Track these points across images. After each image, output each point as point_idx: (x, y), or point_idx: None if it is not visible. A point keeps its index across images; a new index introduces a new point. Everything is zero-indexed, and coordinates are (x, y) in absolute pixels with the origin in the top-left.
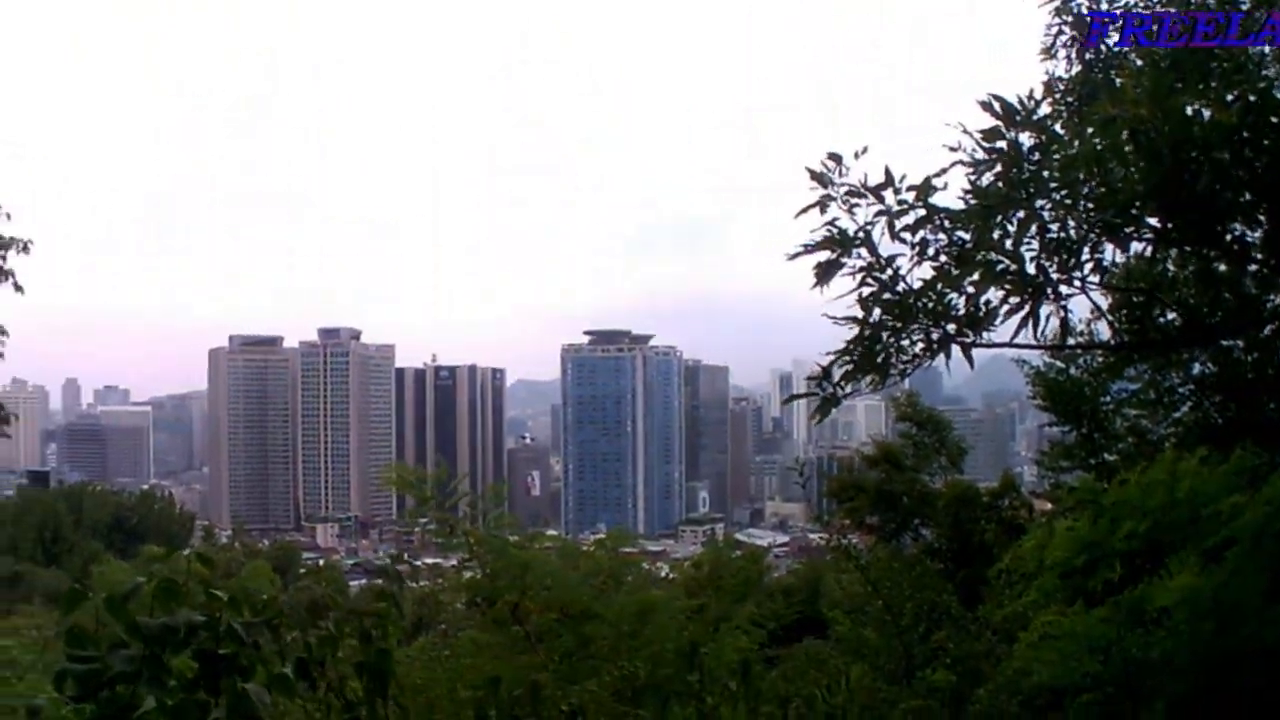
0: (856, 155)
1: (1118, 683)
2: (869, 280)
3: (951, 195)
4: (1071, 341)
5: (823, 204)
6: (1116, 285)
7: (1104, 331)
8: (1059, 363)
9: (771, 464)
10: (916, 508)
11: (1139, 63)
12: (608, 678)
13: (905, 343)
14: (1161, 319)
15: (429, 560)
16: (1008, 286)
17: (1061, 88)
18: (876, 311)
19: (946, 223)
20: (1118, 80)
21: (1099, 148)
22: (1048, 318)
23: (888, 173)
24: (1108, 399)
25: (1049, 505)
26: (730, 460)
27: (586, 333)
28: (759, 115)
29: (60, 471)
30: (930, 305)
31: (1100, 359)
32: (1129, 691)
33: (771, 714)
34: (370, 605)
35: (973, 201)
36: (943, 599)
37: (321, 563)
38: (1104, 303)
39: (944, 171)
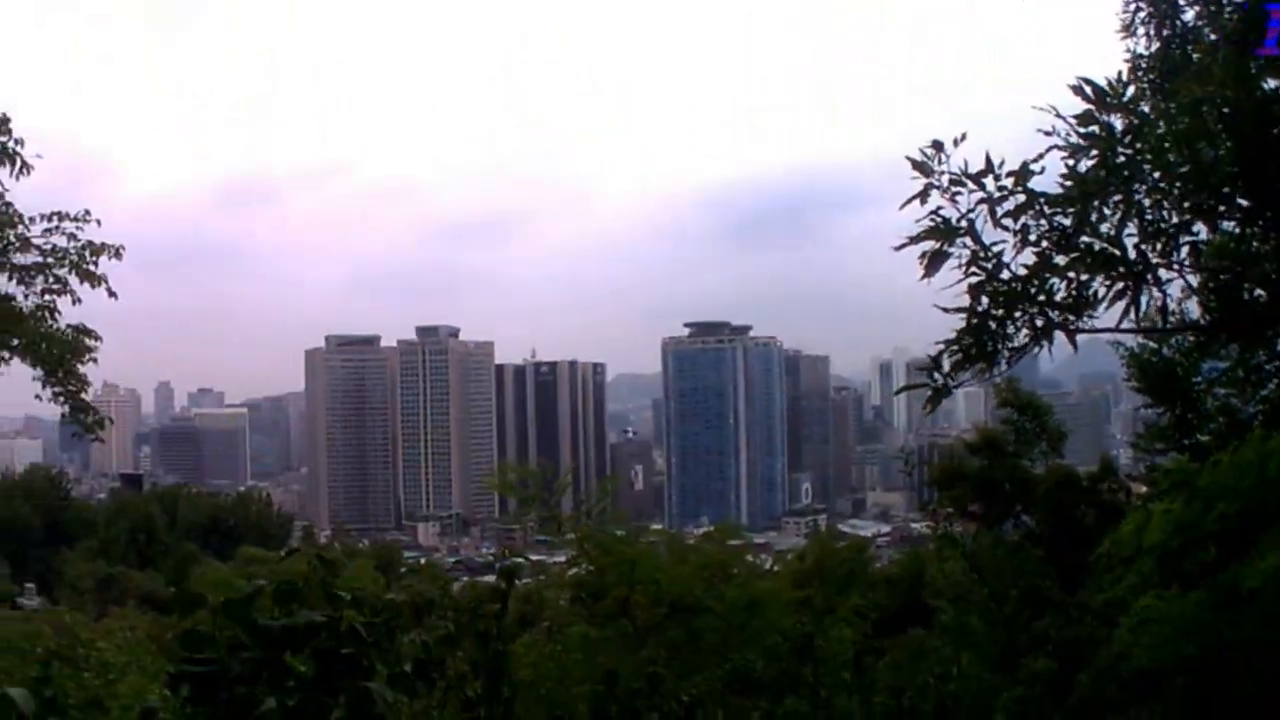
0: (956, 142)
1: (1211, 665)
2: (975, 269)
3: (1048, 180)
4: (1156, 322)
5: (925, 193)
6: (1208, 266)
7: (1194, 311)
8: (1152, 343)
9: (873, 454)
10: (1018, 494)
11: (1212, 37)
12: (720, 670)
13: (1010, 330)
14: (1249, 297)
15: (532, 557)
16: (1111, 273)
17: (1144, 65)
18: (984, 300)
19: (1046, 208)
20: (1194, 56)
21: (1187, 129)
22: (1148, 301)
23: (988, 159)
24: (1199, 379)
25: (1145, 488)
26: (832, 451)
27: (687, 325)
28: (847, 98)
29: (154, 475)
30: (1034, 292)
31: (1191, 339)
32: (1222, 673)
33: (885, 704)
34: (488, 606)
35: (1070, 186)
36: (1044, 585)
37: (423, 561)
38: (1195, 282)
39: (1041, 157)
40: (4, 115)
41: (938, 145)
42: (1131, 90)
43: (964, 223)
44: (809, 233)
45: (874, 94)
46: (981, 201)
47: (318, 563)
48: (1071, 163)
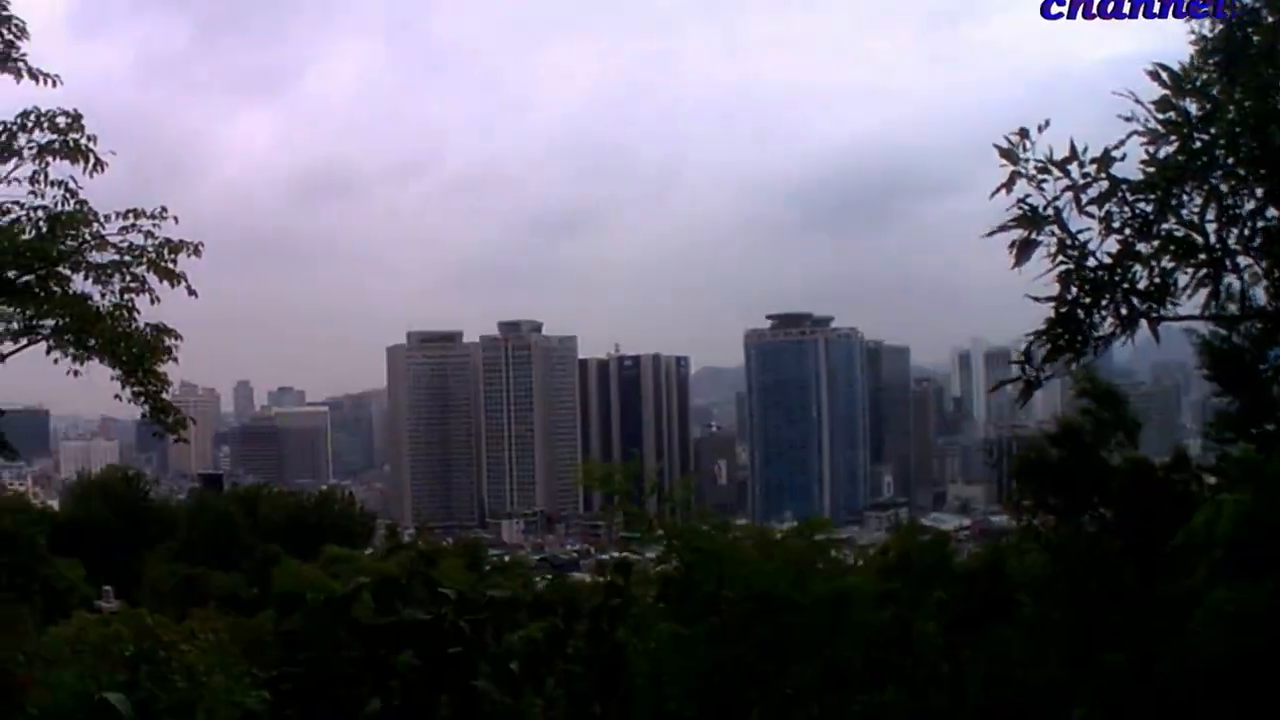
0: (1040, 129)
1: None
2: (1063, 257)
3: (1129, 167)
4: (1234, 309)
5: (1012, 180)
6: (1276, 251)
7: (1261, 297)
8: (1223, 330)
9: (953, 445)
10: (1095, 485)
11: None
12: (814, 664)
13: (1095, 319)
14: None
15: (615, 554)
16: (1193, 260)
17: (1209, 47)
18: (1073, 289)
19: (1128, 195)
20: (1255, 39)
21: (1256, 111)
22: (1226, 288)
23: (1072, 146)
24: (1265, 366)
25: (1215, 479)
26: (913, 443)
27: (769, 317)
28: (924, 82)
29: (234, 474)
30: (1118, 280)
31: (1259, 326)
32: None
33: (976, 694)
34: (606, 600)
35: (1151, 172)
36: (1123, 578)
37: (507, 559)
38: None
39: (1122, 143)
40: (75, 112)
41: (1023, 132)
42: (1203, 75)
43: (1050, 210)
44: (888, 221)
45: (950, 78)
46: (1067, 189)
47: (420, 559)
48: (1152, 149)
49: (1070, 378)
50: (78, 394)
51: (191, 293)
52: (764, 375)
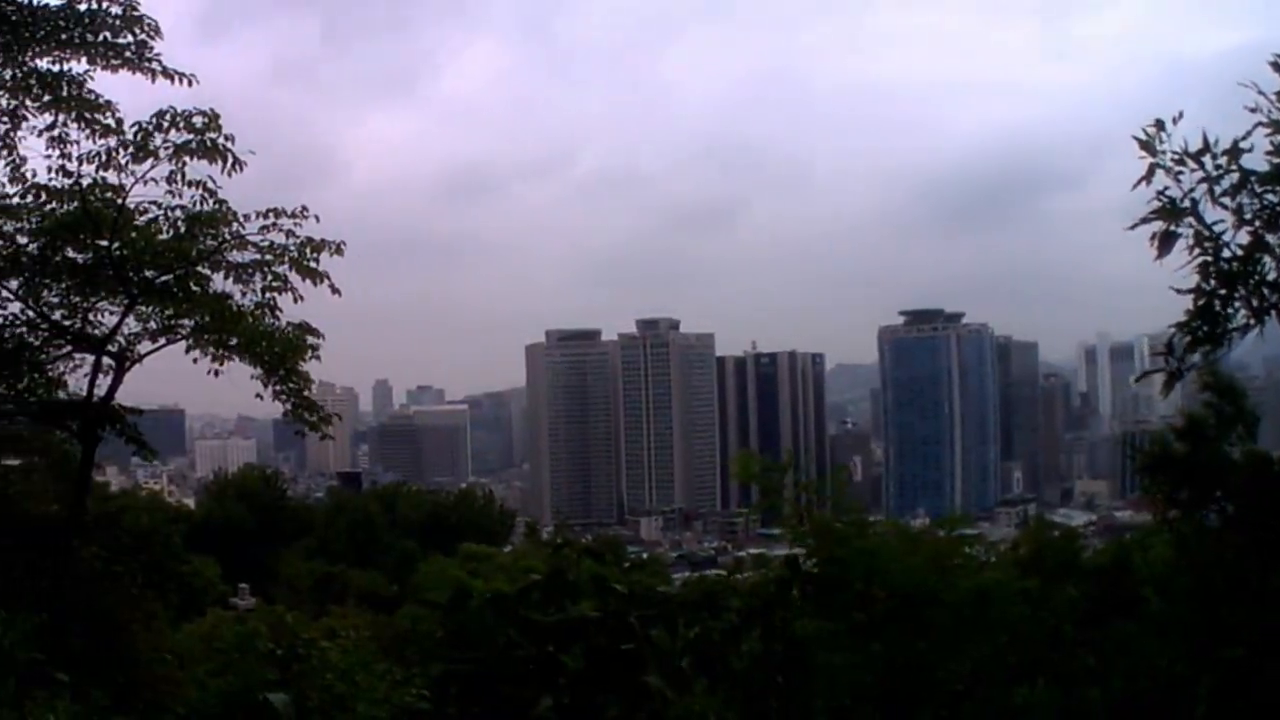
0: (1174, 120)
1: None
2: (1200, 249)
3: (1257, 158)
4: None
5: (1150, 172)
6: None
7: None
8: None
9: (1080, 441)
10: (1218, 479)
11: None
12: (964, 658)
13: (1229, 311)
14: None
15: (752, 551)
16: None
17: None
18: (1211, 281)
19: (1257, 186)
20: None
21: None
22: None
23: (1204, 137)
24: None
25: None
26: (1041, 439)
27: (902, 313)
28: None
29: (373, 472)
30: (1250, 272)
31: None
32: None
33: (1120, 688)
34: (776, 595)
35: (1276, 163)
36: (1245, 572)
37: (645, 556)
38: None
39: (1248, 134)
40: (212, 111)
41: (1159, 124)
42: None
43: (1187, 202)
44: (1011, 215)
45: (1067, 71)
46: (1201, 180)
47: (587, 556)
48: (1277, 140)
49: (1193, 371)
50: (214, 393)
51: (335, 291)
52: (897, 371)
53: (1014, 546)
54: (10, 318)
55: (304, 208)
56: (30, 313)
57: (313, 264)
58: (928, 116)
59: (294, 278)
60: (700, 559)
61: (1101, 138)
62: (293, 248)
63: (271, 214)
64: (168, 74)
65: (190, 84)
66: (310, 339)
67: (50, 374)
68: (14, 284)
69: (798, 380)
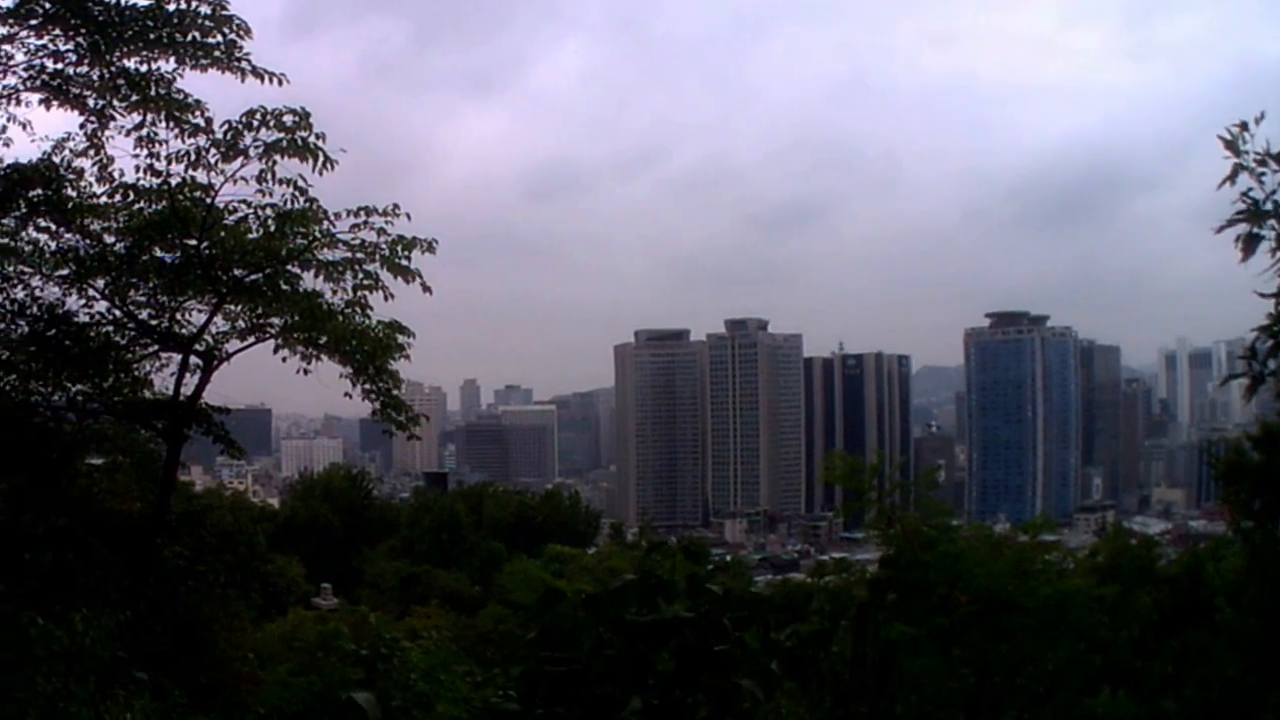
0: (1257, 121)
1: None
2: None
3: None
4: None
5: (1234, 173)
6: None
7: None
8: None
9: (1159, 448)
10: None
11: None
12: (1044, 664)
13: None
14: None
15: (835, 555)
16: None
17: None
18: None
19: None
20: None
21: None
22: None
23: None
24: None
25: None
26: (1121, 445)
27: (988, 315)
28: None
29: (459, 472)
30: None
31: None
32: None
33: (1194, 699)
34: (871, 598)
35: None
36: None
37: (729, 559)
38: None
39: None
40: (303, 110)
41: (1243, 124)
42: None
43: (1270, 204)
44: (1094, 217)
45: (1146, 73)
46: None
47: (683, 556)
48: None
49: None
50: (301, 392)
51: (426, 289)
52: (982, 375)
53: (1092, 553)
54: (97, 316)
55: (396, 206)
56: (117, 311)
57: (404, 261)
58: (1009, 118)
59: (385, 275)
60: (783, 562)
61: (1180, 141)
62: (384, 245)
63: (363, 212)
64: (257, 73)
65: (280, 83)
66: (401, 338)
67: (136, 373)
68: (100, 283)
69: (884, 382)
